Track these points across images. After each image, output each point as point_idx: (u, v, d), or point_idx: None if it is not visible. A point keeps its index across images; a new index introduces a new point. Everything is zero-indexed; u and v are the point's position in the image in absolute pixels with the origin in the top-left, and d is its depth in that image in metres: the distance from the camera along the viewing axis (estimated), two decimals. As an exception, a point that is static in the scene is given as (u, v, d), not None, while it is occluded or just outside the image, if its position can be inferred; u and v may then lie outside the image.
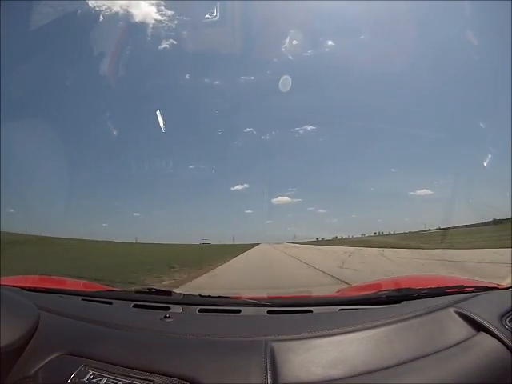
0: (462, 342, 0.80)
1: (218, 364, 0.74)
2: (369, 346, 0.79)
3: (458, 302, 0.97)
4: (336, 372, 0.71)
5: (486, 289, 1.12)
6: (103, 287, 1.40)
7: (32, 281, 1.46)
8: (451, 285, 1.15)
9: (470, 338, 0.81)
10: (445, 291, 1.09)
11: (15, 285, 1.25)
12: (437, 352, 0.76)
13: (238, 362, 0.75)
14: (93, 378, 0.71)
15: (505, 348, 0.78)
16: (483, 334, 0.82)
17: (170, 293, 1.16)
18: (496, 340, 0.79)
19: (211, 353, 0.79)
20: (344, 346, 0.79)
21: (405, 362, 0.73)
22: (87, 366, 0.74)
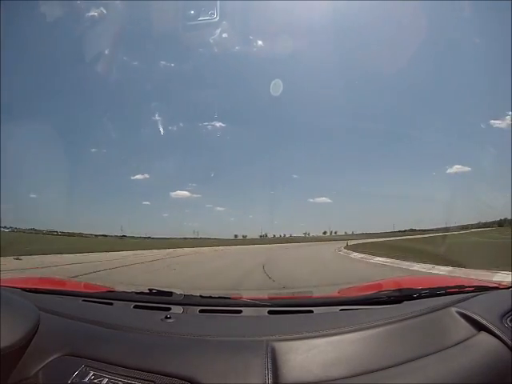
0: (462, 341, 0.80)
1: (218, 364, 0.74)
2: (370, 346, 0.79)
3: (459, 301, 0.97)
4: (337, 372, 0.71)
5: (486, 289, 1.12)
6: (103, 288, 1.40)
7: (32, 282, 1.46)
8: (452, 285, 1.15)
9: (470, 338, 0.81)
10: (445, 291, 1.09)
11: (15, 286, 1.25)
12: (438, 352, 0.76)
13: (238, 362, 0.75)
14: (94, 379, 0.71)
15: (505, 347, 0.78)
16: (484, 334, 0.82)
17: (170, 293, 1.16)
18: (497, 339, 0.79)
19: (212, 353, 0.78)
20: (345, 346, 0.79)
21: (406, 362, 0.73)
22: (88, 366, 0.74)
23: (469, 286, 1.12)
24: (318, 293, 1.29)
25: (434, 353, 0.75)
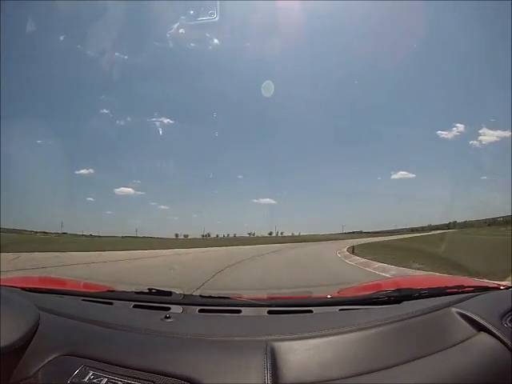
0: (462, 341, 0.80)
1: (218, 364, 0.74)
2: (369, 346, 0.79)
3: (459, 301, 0.97)
4: (336, 372, 0.71)
5: (486, 289, 1.12)
6: (103, 287, 1.40)
7: (32, 281, 1.46)
8: (451, 285, 1.16)
9: (470, 338, 0.81)
10: (445, 291, 1.09)
11: (15, 285, 1.25)
12: (437, 352, 0.76)
13: (238, 362, 0.75)
14: (93, 379, 0.71)
15: (505, 348, 0.78)
16: (483, 334, 0.82)
17: (170, 293, 1.16)
18: (496, 340, 0.79)
19: (211, 353, 0.79)
20: (344, 346, 0.79)
21: (405, 362, 0.73)
22: (87, 366, 0.74)
23: (468, 286, 1.12)
24: (318, 293, 1.29)
25: (433, 353, 0.75)
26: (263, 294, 1.32)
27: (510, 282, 1.19)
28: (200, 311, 1.10)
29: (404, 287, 1.15)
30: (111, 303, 1.17)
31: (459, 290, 1.10)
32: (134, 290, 1.25)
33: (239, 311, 1.08)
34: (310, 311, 1.05)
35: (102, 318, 0.96)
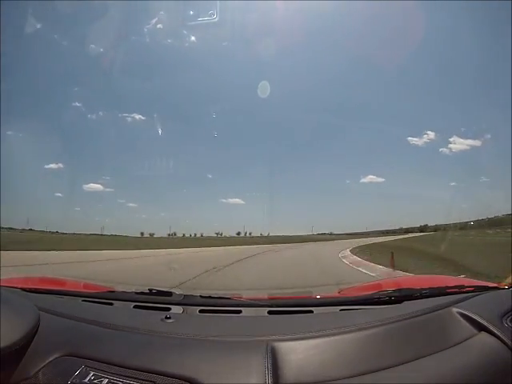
0: (462, 341, 0.80)
1: (218, 364, 0.74)
2: (370, 346, 0.79)
3: (459, 301, 0.97)
4: (337, 372, 0.71)
5: (486, 289, 1.13)
6: (103, 288, 1.40)
7: (32, 282, 1.46)
8: (452, 285, 1.16)
9: (470, 338, 0.81)
10: (445, 291, 1.09)
11: (15, 286, 1.25)
12: (438, 352, 0.76)
13: (239, 362, 0.75)
14: (94, 379, 0.71)
15: (505, 347, 0.78)
16: (484, 334, 0.82)
17: (170, 293, 1.16)
18: (497, 340, 0.80)
19: (212, 353, 0.79)
20: (345, 346, 0.79)
21: (406, 362, 0.73)
22: (88, 366, 0.74)
23: (469, 286, 1.12)
24: (318, 293, 1.29)
25: (434, 353, 0.76)
26: (263, 295, 1.32)
27: (509, 282, 1.18)
28: (200, 311, 1.10)
29: (404, 287, 1.15)
30: (111, 304, 1.17)
31: (460, 289, 1.10)
32: (134, 290, 1.25)
33: (239, 311, 1.08)
34: (311, 311, 1.05)
35: (102, 319, 0.96)
